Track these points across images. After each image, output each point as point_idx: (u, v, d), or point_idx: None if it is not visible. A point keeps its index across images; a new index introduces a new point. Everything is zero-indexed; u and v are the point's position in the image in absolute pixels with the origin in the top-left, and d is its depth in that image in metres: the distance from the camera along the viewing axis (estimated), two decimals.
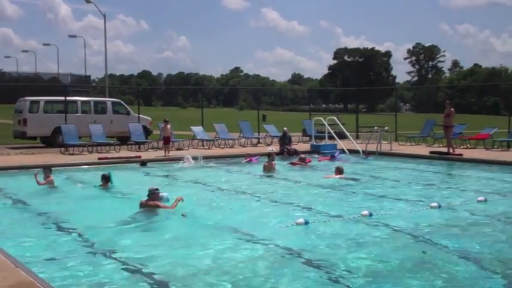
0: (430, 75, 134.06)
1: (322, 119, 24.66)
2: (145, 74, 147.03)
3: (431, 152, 21.28)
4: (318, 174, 15.98)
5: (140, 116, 25.86)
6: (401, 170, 17.72)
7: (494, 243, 8.15)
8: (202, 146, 24.20)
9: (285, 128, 22.80)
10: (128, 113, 26.69)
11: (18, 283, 5.70)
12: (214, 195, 12.61)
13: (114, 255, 7.48)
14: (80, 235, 8.65)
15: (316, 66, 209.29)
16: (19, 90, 39.94)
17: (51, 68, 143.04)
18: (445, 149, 21.24)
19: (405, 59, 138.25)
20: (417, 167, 18.19)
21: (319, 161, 19.43)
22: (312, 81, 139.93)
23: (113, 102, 27.36)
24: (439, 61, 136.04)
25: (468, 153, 20.69)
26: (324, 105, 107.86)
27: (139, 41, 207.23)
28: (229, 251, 7.73)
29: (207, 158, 19.82)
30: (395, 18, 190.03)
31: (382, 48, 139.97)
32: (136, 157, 18.91)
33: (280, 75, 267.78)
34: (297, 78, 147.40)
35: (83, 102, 26.31)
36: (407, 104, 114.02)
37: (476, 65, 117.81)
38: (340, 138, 23.64)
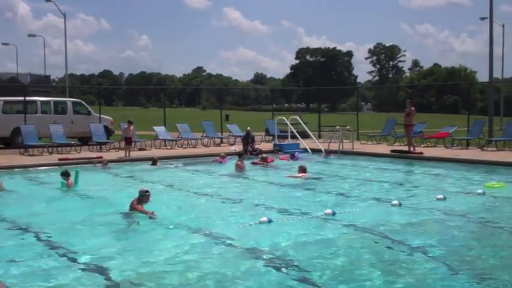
0: (390, 75, 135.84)
1: (284, 118, 24.79)
2: (106, 74, 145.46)
3: (392, 151, 21.57)
4: (281, 173, 16.04)
5: (101, 116, 25.61)
6: (363, 168, 17.91)
7: (453, 241, 8.30)
8: (165, 146, 24.07)
9: (249, 128, 22.85)
10: (89, 113, 26.39)
11: None
12: (178, 196, 12.56)
13: (74, 257, 7.39)
14: (38, 237, 8.52)
15: (278, 65, 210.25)
16: None
17: (10, 68, 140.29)
18: (405, 148, 21.55)
19: (366, 58, 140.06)
20: (378, 166, 18.40)
21: (280, 159, 19.50)
22: (274, 80, 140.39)
23: (73, 102, 27.01)
24: (400, 61, 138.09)
25: (428, 152, 21.04)
26: (286, 105, 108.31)
27: (100, 40, 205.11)
28: (192, 251, 7.69)
29: (169, 158, 19.78)
30: (356, 18, 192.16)
31: (343, 48, 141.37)
32: (98, 158, 18.71)
33: (243, 75, 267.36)
34: (259, 78, 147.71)
35: (42, 102, 25.90)
36: (369, 104, 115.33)
37: (436, 65, 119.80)
38: (302, 137, 23.79)
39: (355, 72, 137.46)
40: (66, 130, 23.10)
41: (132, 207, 10.10)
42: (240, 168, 16.54)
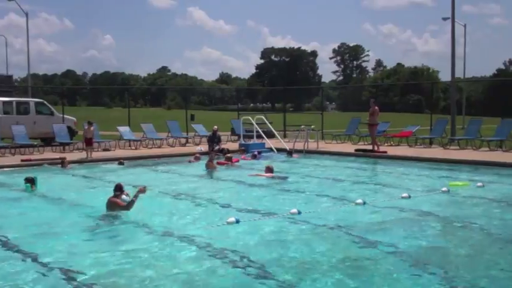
0: (354, 75, 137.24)
1: (250, 118, 24.81)
2: (69, 74, 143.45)
3: (356, 150, 21.78)
4: (247, 173, 16.05)
5: (65, 116, 25.29)
6: (328, 167, 18.02)
7: (418, 238, 8.40)
8: (130, 146, 23.87)
9: (215, 127, 22.81)
10: (52, 114, 26.00)
11: None
12: (146, 196, 12.42)
13: (36, 258, 7.28)
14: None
15: (243, 65, 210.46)
16: None
17: None
18: (369, 147, 21.76)
19: (330, 58, 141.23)
20: (343, 165, 18.55)
21: (242, 159, 19.51)
22: (240, 80, 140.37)
23: (36, 103, 26.55)
24: (364, 60, 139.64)
25: (392, 151, 21.30)
26: (252, 105, 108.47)
27: (63, 39, 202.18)
28: (159, 252, 7.64)
29: (135, 158, 19.64)
30: (321, 18, 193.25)
31: (308, 48, 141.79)
32: (61, 158, 18.44)
33: (208, 75, 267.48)
34: (225, 78, 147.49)
35: (4, 102, 25.39)
36: (333, 103, 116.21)
37: (399, 64, 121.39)
38: (268, 137, 23.84)
39: (319, 72, 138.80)
40: (28, 131, 22.72)
41: (112, 205, 10.01)
42: (210, 168, 16.52)
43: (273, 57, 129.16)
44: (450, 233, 9.02)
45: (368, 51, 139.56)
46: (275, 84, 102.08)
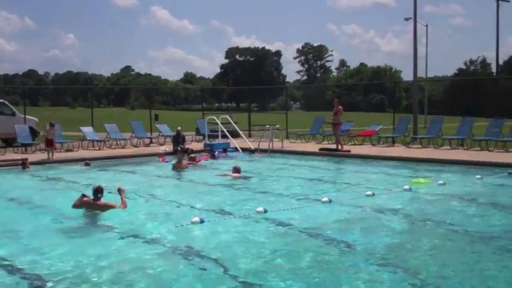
0: (318, 74, 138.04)
1: (215, 117, 24.79)
2: (31, 73, 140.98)
3: (320, 149, 21.96)
4: (213, 173, 16.03)
5: (26, 116, 24.88)
6: (293, 167, 18.12)
7: (382, 236, 8.50)
8: (93, 146, 23.61)
9: (179, 128, 22.73)
10: (13, 114, 25.56)
11: None
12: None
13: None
14: None
15: (208, 65, 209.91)
16: None
17: None
18: (333, 146, 21.96)
19: (295, 58, 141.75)
20: (308, 164, 18.67)
21: (204, 159, 19.46)
22: (204, 80, 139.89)
23: None
24: (327, 60, 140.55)
25: (356, 150, 21.52)
26: (216, 104, 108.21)
27: (24, 39, 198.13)
28: (124, 253, 7.59)
29: (100, 159, 19.45)
30: (285, 18, 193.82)
31: (272, 47, 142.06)
32: (23, 160, 18.14)
33: (173, 74, 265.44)
34: (189, 77, 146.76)
35: None
36: (297, 103, 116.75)
37: (362, 64, 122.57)
38: (233, 136, 23.84)
39: (284, 71, 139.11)
40: None
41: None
42: (179, 168, 16.47)
43: (237, 57, 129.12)
44: (412, 230, 9.16)
45: (332, 51, 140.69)
46: (240, 84, 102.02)
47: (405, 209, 10.49)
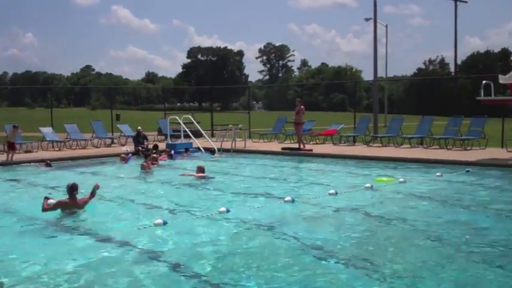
0: (280, 74, 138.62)
1: (177, 117, 24.67)
2: None
3: (283, 148, 22.06)
4: (176, 172, 15.97)
5: None
6: (256, 166, 18.16)
7: (345, 234, 8.60)
8: (53, 147, 23.25)
9: (139, 127, 22.56)
10: None
11: None
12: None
13: None
14: None
15: (170, 64, 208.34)
16: None
17: None
18: (296, 145, 22.08)
19: (257, 58, 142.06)
20: (270, 163, 18.73)
21: (160, 159, 19.32)
22: (166, 79, 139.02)
23: None
24: (289, 60, 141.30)
25: (317, 149, 21.69)
26: (179, 104, 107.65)
27: None
28: (84, 255, 7.49)
29: (59, 160, 19.18)
30: (246, 18, 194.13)
31: (234, 47, 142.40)
32: None
33: (134, 74, 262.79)
34: (151, 77, 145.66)
35: None
36: (260, 102, 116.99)
37: (323, 64, 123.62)
38: (195, 136, 23.76)
39: (246, 71, 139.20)
40: None
41: (82, 203, 10.28)
42: (146, 168, 16.36)
43: (199, 56, 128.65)
44: (373, 227, 9.27)
45: (293, 51, 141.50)
46: (202, 84, 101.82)
47: (367, 207, 10.61)
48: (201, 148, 21.80)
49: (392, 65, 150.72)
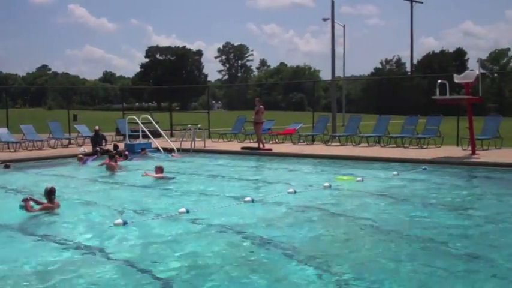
0: (240, 74, 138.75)
1: (135, 117, 24.46)
2: None
3: (242, 148, 22.11)
4: (134, 173, 15.85)
5: None
6: (216, 166, 18.14)
7: (304, 232, 8.67)
8: (8, 148, 22.81)
9: (97, 127, 22.31)
10: None
11: None
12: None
13: None
14: None
15: (128, 64, 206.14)
16: None
17: None
18: (255, 145, 22.17)
19: (216, 57, 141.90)
20: (230, 163, 18.76)
21: (118, 161, 19.13)
22: (124, 79, 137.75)
23: None
24: (248, 60, 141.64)
25: (277, 148, 21.81)
26: (137, 104, 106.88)
27: None
28: (43, 256, 7.39)
29: (16, 161, 18.81)
30: (205, 17, 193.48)
31: (193, 47, 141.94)
32: None
33: (91, 74, 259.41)
34: (108, 77, 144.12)
35: None
36: (219, 102, 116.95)
37: (282, 64, 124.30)
38: (154, 136, 23.61)
39: (205, 71, 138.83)
40: None
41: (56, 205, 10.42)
42: (114, 168, 16.19)
43: (158, 56, 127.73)
44: (331, 225, 9.38)
45: (252, 50, 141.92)
46: (161, 83, 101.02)
47: (324, 205, 10.72)
48: (160, 148, 21.68)
49: (350, 64, 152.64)
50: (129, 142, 23.20)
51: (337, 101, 38.97)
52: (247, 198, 11.02)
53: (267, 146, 22.19)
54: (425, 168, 15.58)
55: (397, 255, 7.36)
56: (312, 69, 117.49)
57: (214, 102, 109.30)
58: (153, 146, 22.29)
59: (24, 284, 6.38)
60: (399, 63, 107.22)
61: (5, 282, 6.45)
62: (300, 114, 51.33)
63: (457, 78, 18.02)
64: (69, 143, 25.33)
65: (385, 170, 15.61)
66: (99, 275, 6.67)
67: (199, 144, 22.73)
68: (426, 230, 8.65)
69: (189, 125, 23.98)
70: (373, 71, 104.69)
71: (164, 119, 31.03)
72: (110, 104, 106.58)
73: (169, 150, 21.07)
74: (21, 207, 9.93)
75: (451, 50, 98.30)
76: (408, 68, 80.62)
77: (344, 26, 50.79)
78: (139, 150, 21.02)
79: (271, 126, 26.53)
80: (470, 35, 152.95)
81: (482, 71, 20.55)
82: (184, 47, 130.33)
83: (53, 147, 23.73)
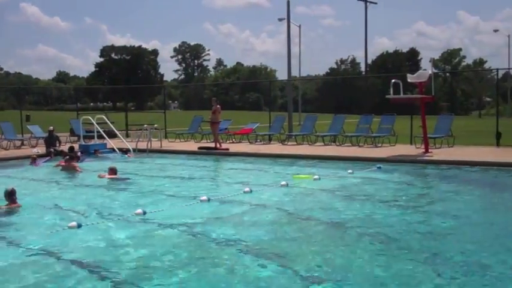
0: (196, 74, 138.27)
1: (90, 118, 24.14)
2: None
3: (199, 148, 22.06)
4: (90, 175, 15.65)
5: None
6: (172, 166, 18.07)
7: (260, 232, 8.70)
8: None
9: (51, 127, 21.94)
10: None
11: None
12: None
13: None
14: None
15: (82, 64, 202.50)
16: None
17: None
18: (212, 144, 22.14)
19: (172, 57, 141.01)
20: (187, 163, 18.70)
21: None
22: (79, 79, 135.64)
23: None
24: (205, 59, 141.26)
25: (234, 148, 21.83)
26: (92, 104, 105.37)
27: None
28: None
29: None
30: (160, 16, 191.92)
31: (148, 46, 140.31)
32: None
33: (44, 73, 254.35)
34: (62, 76, 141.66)
35: None
36: (176, 102, 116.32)
37: (238, 64, 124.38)
38: (110, 137, 23.34)
39: (161, 70, 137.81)
40: None
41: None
42: (72, 169, 15.91)
43: (113, 55, 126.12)
44: (288, 223, 9.43)
45: (209, 50, 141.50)
46: (116, 83, 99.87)
47: (281, 204, 10.80)
48: (116, 149, 21.45)
49: (306, 64, 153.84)
50: (83, 143, 22.87)
51: (293, 101, 39.23)
52: (204, 198, 11.00)
53: (223, 145, 22.20)
54: (379, 167, 15.82)
55: (352, 252, 7.46)
56: (269, 69, 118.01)
57: (170, 102, 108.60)
58: (108, 146, 22.03)
59: None
60: (354, 63, 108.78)
61: None
62: (256, 114, 51.46)
63: (410, 78, 18.36)
64: (22, 144, 24.87)
65: (341, 169, 15.78)
66: (49, 277, 6.57)
67: (155, 144, 22.58)
68: (381, 227, 8.80)
69: (145, 125, 23.79)
70: (329, 70, 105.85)
71: (120, 119, 30.71)
72: (64, 104, 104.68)
73: (125, 151, 20.88)
74: None
75: (405, 50, 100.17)
76: (363, 68, 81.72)
77: (300, 26, 51.20)
78: (93, 152, 20.76)
79: (228, 126, 26.55)
80: (423, 35, 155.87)
81: (434, 70, 21.02)
82: (139, 46, 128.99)
83: (5, 149, 23.25)
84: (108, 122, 24.52)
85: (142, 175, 15.81)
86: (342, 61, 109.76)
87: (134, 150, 21.09)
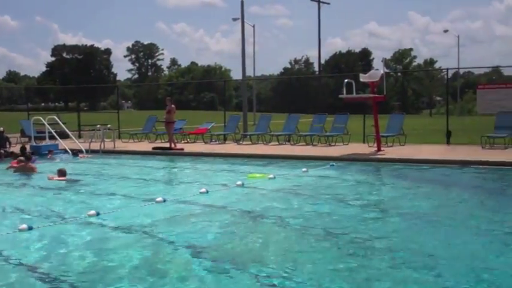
0: (150, 73, 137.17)
1: (41, 118, 23.70)
2: None
3: (154, 148, 21.92)
4: (41, 176, 15.37)
5: None
6: (126, 167, 17.91)
7: (215, 231, 8.72)
8: None
9: (1, 128, 21.45)
10: None
11: None
12: None
13: None
14: None
15: (33, 63, 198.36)
16: None
17: None
18: (167, 145, 22.03)
19: (125, 56, 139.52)
20: (141, 164, 18.57)
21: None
22: (29, 79, 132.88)
23: None
24: (158, 59, 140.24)
25: (189, 148, 21.77)
26: (43, 104, 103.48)
27: None
28: None
29: None
30: (113, 15, 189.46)
31: (101, 45, 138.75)
32: None
33: None
34: (12, 76, 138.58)
35: None
36: (129, 102, 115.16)
37: (193, 63, 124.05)
38: (62, 137, 22.96)
39: (114, 70, 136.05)
40: None
41: None
42: (30, 170, 15.57)
43: (64, 54, 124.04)
44: (243, 222, 9.47)
45: (162, 49, 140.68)
46: (68, 83, 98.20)
47: (237, 204, 10.82)
48: (68, 150, 21.11)
49: (260, 64, 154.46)
50: (35, 144, 22.43)
51: (248, 100, 39.32)
52: (159, 199, 10.93)
53: (178, 145, 22.12)
54: (332, 165, 16.02)
55: (307, 250, 7.54)
56: (223, 69, 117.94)
57: (123, 101, 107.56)
58: (60, 147, 21.66)
59: None
60: (307, 63, 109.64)
61: None
62: (211, 114, 51.43)
63: (363, 78, 18.64)
64: None
65: (295, 167, 15.92)
66: (3, 281, 6.45)
67: (109, 144, 22.32)
68: (335, 224, 8.91)
69: (98, 126, 23.50)
70: (283, 70, 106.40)
71: (72, 119, 30.23)
72: (14, 104, 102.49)
73: (76, 152, 20.57)
74: None
75: (357, 50, 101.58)
76: (316, 67, 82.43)
77: (254, 26, 51.34)
78: (47, 152, 20.39)
79: (182, 125, 26.44)
80: (375, 35, 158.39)
81: (386, 70, 21.36)
82: (92, 45, 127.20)
83: None
84: (59, 122, 24.10)
85: (96, 176, 15.60)
86: (296, 61, 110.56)
87: (87, 151, 20.81)
